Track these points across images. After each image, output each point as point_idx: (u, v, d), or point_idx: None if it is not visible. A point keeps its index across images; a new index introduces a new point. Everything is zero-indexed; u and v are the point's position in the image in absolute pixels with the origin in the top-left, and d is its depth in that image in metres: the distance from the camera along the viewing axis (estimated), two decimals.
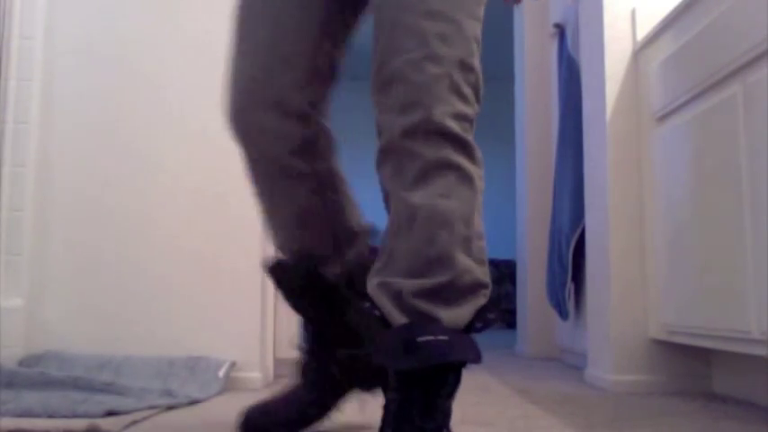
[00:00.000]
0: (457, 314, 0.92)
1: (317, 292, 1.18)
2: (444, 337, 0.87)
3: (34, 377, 1.61)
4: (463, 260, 0.93)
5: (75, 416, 1.32)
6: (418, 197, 0.93)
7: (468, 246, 0.94)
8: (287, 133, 1.12)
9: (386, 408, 0.93)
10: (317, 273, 1.18)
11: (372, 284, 0.96)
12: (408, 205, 0.94)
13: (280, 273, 1.20)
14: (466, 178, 0.97)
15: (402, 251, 0.94)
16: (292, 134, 1.12)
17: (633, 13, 2.04)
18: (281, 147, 1.12)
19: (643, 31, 2.01)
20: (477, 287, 0.94)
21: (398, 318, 0.91)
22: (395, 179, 0.97)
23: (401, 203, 0.95)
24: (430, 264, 0.92)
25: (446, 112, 0.96)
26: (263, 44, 1.12)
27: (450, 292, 0.91)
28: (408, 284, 0.91)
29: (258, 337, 1.92)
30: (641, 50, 2.01)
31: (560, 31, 2.78)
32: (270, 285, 2.08)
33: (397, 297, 0.91)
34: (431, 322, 0.90)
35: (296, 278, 1.18)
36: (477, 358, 0.91)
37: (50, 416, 1.33)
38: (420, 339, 0.86)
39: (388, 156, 0.97)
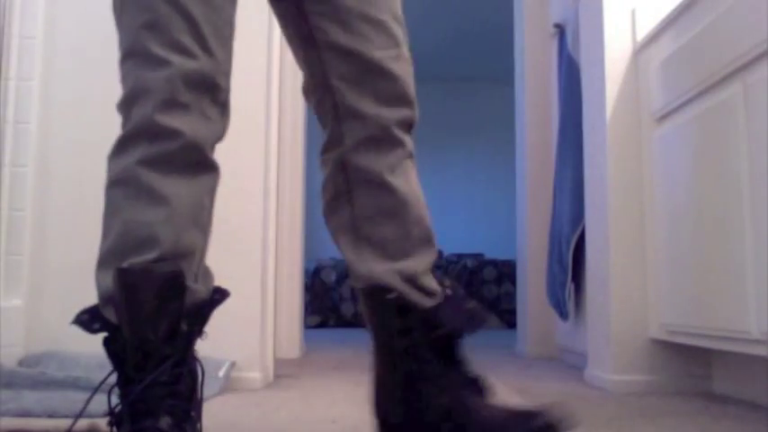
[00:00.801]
0: (437, 282, 1.04)
1: (179, 307, 0.91)
2: (471, 302, 1.02)
3: (34, 377, 1.61)
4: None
5: (75, 416, 1.32)
6: (404, 183, 1.04)
7: None
8: (216, 121, 0.99)
9: (416, 384, 1.00)
10: (183, 281, 0.92)
11: (387, 273, 1.01)
12: (397, 190, 1.03)
13: (135, 277, 0.90)
14: (415, 164, 1.10)
15: (393, 234, 1.03)
16: (220, 123, 1.00)
17: (633, 13, 2.04)
18: (211, 134, 0.97)
19: (643, 31, 2.01)
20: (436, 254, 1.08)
21: (420, 299, 1.00)
22: (378, 167, 1.03)
23: (385, 189, 1.03)
24: (421, 243, 1.04)
25: (416, 107, 1.08)
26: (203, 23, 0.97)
27: (433, 268, 1.04)
28: (416, 264, 1.02)
29: (258, 337, 1.92)
30: (641, 50, 2.01)
31: (560, 31, 2.78)
32: (270, 286, 2.08)
33: (412, 279, 1.01)
34: (453, 294, 1.02)
35: (158, 280, 0.89)
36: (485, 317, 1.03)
37: (50, 416, 1.33)
38: (469, 306, 1.01)
39: (377, 143, 1.03)
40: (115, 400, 0.92)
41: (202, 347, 2.02)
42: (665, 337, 1.86)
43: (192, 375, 0.94)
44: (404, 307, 1.00)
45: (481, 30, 6.30)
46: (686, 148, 1.74)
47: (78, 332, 0.98)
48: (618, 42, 2.03)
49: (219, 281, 2.06)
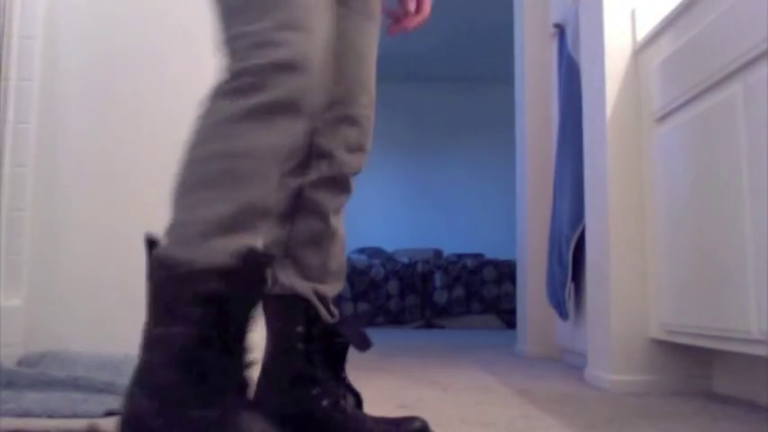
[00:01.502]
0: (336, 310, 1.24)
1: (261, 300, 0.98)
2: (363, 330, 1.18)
3: (34, 377, 1.61)
4: None
5: (75, 416, 1.32)
6: (338, 223, 1.23)
7: None
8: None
9: (305, 384, 1.15)
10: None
11: (306, 289, 1.18)
12: (333, 228, 1.22)
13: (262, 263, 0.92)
14: None
15: (317, 262, 1.21)
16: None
17: (633, 13, 2.04)
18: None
19: (643, 31, 2.01)
20: None
21: (326, 316, 1.17)
22: (327, 205, 1.20)
23: (326, 224, 1.21)
24: (335, 275, 1.23)
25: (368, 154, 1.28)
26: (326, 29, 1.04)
27: (337, 298, 1.22)
28: (328, 290, 1.21)
29: (258, 337, 1.92)
30: (641, 50, 2.01)
31: (560, 31, 2.78)
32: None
33: (323, 300, 1.19)
34: (352, 318, 1.23)
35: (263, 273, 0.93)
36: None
37: (50, 416, 1.33)
38: (364, 330, 1.17)
39: (334, 185, 1.21)
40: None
41: None
42: (665, 337, 1.86)
43: None
44: (312, 317, 1.17)
45: (481, 30, 6.30)
46: (686, 148, 1.74)
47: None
48: (618, 42, 2.03)
49: None
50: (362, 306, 5.80)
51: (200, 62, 2.01)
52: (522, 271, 3.19)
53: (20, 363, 1.80)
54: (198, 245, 0.90)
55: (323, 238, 1.21)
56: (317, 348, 1.17)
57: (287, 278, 1.20)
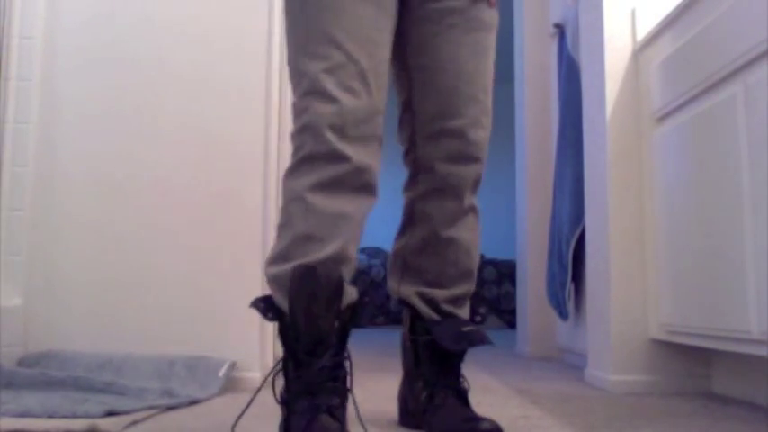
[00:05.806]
0: (464, 312, 1.33)
1: (339, 305, 1.09)
2: (473, 328, 1.25)
3: (34, 377, 1.61)
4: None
5: (75, 416, 1.32)
6: (452, 232, 1.30)
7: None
8: (375, 150, 1.20)
9: (414, 377, 1.29)
10: (343, 284, 1.11)
11: (409, 292, 1.31)
12: (446, 236, 1.29)
13: (312, 279, 1.07)
14: (478, 217, 1.36)
15: (432, 267, 1.30)
16: (377, 153, 1.22)
17: (633, 13, 2.04)
18: (374, 162, 1.19)
19: (643, 31, 2.01)
20: (471, 294, 1.35)
21: (434, 317, 1.28)
22: (436, 214, 1.29)
23: (436, 233, 1.29)
24: (451, 279, 1.30)
25: (483, 164, 1.32)
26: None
27: (463, 299, 1.32)
28: (439, 294, 1.29)
29: (258, 337, 1.92)
30: (641, 50, 2.01)
31: (560, 31, 2.78)
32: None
33: (432, 303, 1.29)
34: (457, 318, 1.29)
35: (332, 282, 1.07)
36: (489, 341, 1.25)
37: (50, 416, 1.33)
38: (464, 330, 1.24)
39: (443, 196, 1.29)
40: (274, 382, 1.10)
41: (203, 347, 2.03)
42: (664, 337, 1.86)
43: (349, 363, 1.12)
44: (414, 318, 1.30)
45: None
46: (686, 148, 1.74)
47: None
48: (618, 42, 2.03)
49: (220, 280, 2.06)
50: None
51: (201, 62, 2.01)
52: (522, 271, 3.19)
53: (20, 363, 1.81)
54: (266, 271, 1.12)
55: (435, 245, 1.29)
56: (421, 345, 1.28)
57: (396, 284, 1.34)
